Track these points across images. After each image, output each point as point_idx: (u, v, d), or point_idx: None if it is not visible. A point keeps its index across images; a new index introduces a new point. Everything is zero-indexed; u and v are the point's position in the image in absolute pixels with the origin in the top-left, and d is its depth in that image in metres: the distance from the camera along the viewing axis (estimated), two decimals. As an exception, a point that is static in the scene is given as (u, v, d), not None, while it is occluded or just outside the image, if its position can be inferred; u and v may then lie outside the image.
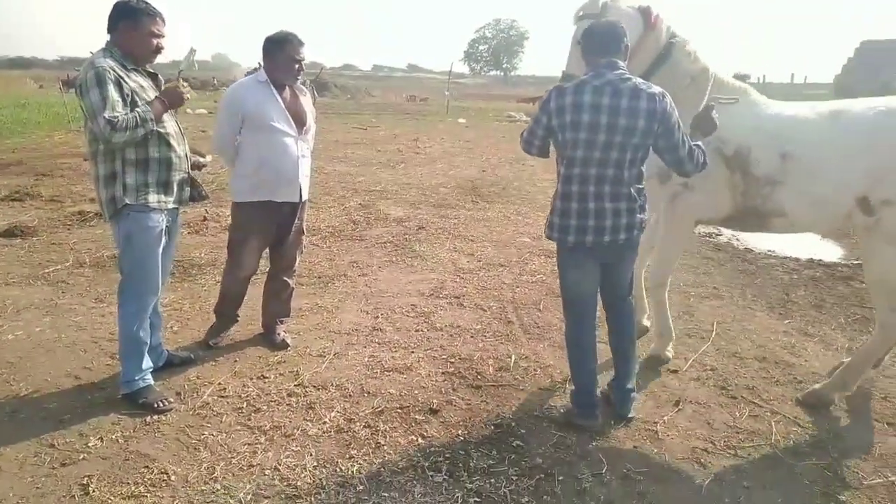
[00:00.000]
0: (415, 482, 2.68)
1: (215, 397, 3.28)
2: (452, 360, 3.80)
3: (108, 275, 4.91)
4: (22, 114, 17.20)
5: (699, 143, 2.93)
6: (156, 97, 3.00)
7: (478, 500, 2.59)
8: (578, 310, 3.08)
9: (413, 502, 2.56)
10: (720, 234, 7.02)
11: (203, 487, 2.59)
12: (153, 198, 3.02)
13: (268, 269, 4.01)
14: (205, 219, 6.74)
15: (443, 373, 3.64)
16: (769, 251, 6.45)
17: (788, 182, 3.21)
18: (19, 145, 12.20)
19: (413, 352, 3.89)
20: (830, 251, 6.70)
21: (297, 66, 3.51)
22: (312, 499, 2.55)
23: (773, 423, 3.21)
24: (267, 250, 3.89)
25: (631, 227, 2.88)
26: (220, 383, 3.42)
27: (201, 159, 3.65)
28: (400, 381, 3.53)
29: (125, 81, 2.87)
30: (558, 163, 2.97)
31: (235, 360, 3.69)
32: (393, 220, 7.18)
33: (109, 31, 2.94)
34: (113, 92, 2.80)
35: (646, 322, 4.14)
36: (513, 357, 3.86)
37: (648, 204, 3.00)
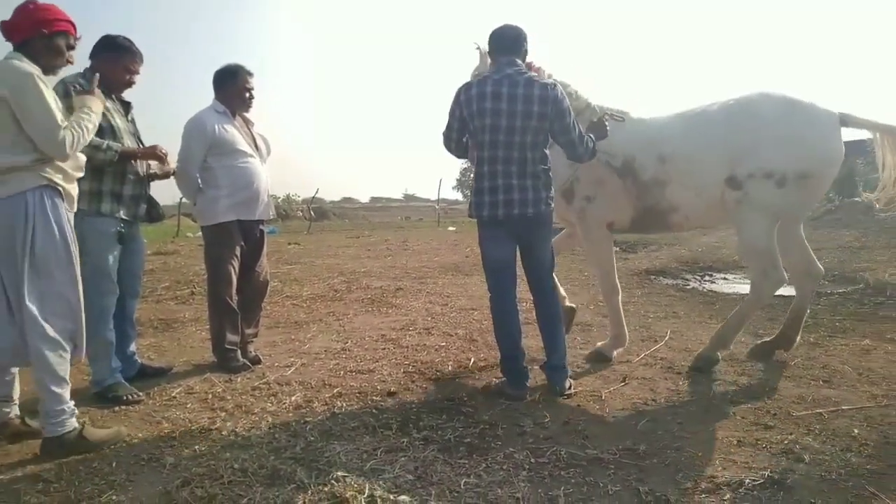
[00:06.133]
0: (364, 435, 2.82)
1: (183, 394, 3.45)
2: (415, 364, 3.98)
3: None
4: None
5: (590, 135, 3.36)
6: (139, 146, 3.43)
7: (423, 443, 2.73)
8: (499, 279, 3.36)
9: (360, 447, 2.69)
10: (688, 284, 7.30)
11: (160, 443, 2.74)
12: (106, 206, 3.28)
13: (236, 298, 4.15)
14: (192, 292, 7.06)
15: (404, 372, 3.81)
16: (731, 292, 6.71)
17: (673, 180, 3.64)
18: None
19: (377, 361, 4.07)
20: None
21: (248, 94, 3.95)
22: (264, 447, 2.69)
23: (712, 385, 3.37)
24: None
25: (538, 202, 3.20)
26: (189, 385, 3.59)
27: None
28: (361, 378, 3.70)
29: None
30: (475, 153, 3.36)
31: (207, 372, 3.86)
32: (373, 287, 7.49)
33: (91, 57, 3.37)
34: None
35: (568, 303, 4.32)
36: (472, 360, 4.04)
37: (554, 184, 3.34)
